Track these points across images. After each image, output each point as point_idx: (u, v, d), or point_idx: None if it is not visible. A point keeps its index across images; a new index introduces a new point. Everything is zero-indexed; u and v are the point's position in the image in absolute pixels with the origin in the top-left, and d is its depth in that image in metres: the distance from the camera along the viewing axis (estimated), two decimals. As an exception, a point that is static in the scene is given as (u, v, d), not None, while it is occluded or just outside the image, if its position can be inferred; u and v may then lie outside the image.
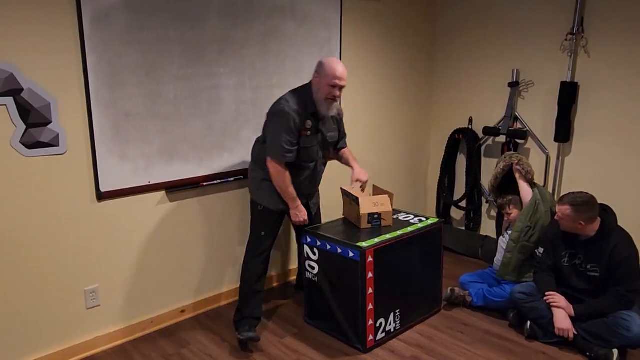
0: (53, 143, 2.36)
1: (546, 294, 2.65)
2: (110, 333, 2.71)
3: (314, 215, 2.98)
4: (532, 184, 3.07)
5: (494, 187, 3.22)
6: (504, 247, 3.09)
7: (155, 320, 2.89)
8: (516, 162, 3.08)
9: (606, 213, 2.61)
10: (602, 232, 2.55)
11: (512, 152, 3.24)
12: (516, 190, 3.07)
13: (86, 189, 2.50)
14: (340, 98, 2.62)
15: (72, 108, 2.40)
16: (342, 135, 2.91)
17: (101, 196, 2.54)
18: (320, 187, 3.71)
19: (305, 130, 2.56)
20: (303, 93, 2.59)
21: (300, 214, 2.71)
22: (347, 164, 2.92)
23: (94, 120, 2.45)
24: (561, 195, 3.52)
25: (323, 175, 2.92)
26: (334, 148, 2.90)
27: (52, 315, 2.50)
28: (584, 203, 2.52)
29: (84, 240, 2.54)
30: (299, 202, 2.68)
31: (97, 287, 2.62)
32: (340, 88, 2.54)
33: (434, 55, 4.28)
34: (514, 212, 3.05)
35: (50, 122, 2.33)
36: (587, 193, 2.59)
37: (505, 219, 3.14)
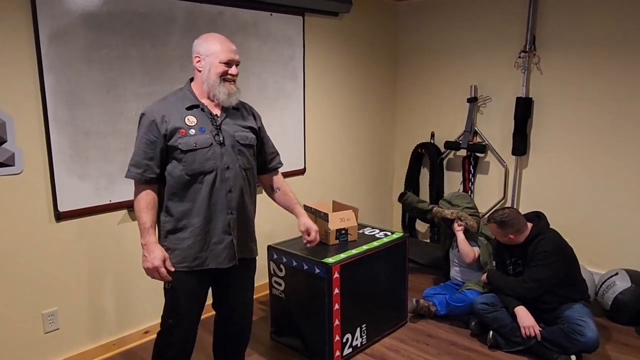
0: (8, 163, 2.29)
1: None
2: (70, 357, 2.62)
3: (242, 271, 2.10)
4: (477, 235, 3.21)
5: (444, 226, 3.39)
6: (456, 261, 3.26)
7: (118, 343, 2.81)
8: (456, 218, 3.19)
9: (538, 219, 2.78)
10: (532, 235, 2.71)
11: (460, 210, 3.25)
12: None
13: (44, 209, 2.44)
14: (236, 80, 2.01)
15: (29, 127, 2.34)
16: (267, 146, 2.21)
17: (59, 216, 2.48)
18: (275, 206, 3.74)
19: (184, 129, 1.89)
20: (178, 90, 2.02)
21: (149, 256, 1.85)
22: (286, 206, 2.27)
23: (52, 139, 2.41)
24: (517, 206, 3.65)
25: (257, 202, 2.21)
26: (264, 168, 2.23)
27: (8, 341, 2.40)
28: (506, 220, 2.69)
29: (41, 261, 2.46)
30: (151, 239, 1.88)
31: (56, 310, 2.54)
32: (237, 64, 1.99)
33: (397, 72, 4.39)
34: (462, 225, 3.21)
35: (5, 142, 2.27)
36: (510, 209, 2.77)
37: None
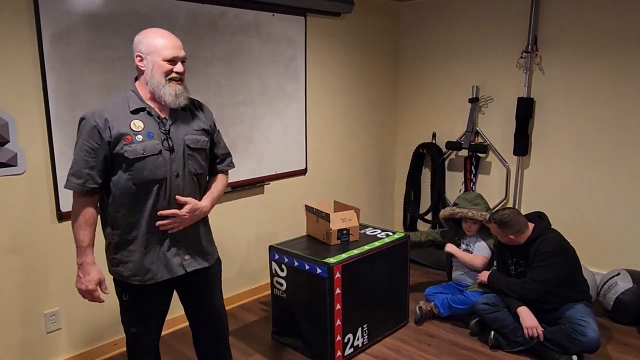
0: (11, 163, 2.30)
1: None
2: (72, 357, 2.63)
3: (200, 287, 2.00)
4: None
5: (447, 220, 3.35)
6: (459, 263, 3.24)
7: (120, 343, 2.82)
8: (484, 220, 3.08)
9: (540, 219, 2.78)
10: (533, 236, 2.71)
11: (484, 209, 3.17)
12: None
13: (46, 209, 2.45)
14: (184, 79, 1.83)
15: (32, 127, 2.35)
16: (219, 147, 2.03)
17: (62, 216, 2.49)
18: (285, 205, 3.73)
19: (130, 135, 1.74)
20: (122, 93, 1.87)
21: (84, 278, 1.79)
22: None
23: (54, 139, 2.41)
24: (518, 206, 3.65)
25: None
26: (212, 169, 2.03)
27: (10, 340, 2.41)
28: (505, 220, 2.69)
29: (44, 261, 2.47)
30: (88, 260, 1.79)
31: (57, 310, 2.55)
32: (182, 61, 1.81)
33: (398, 73, 4.39)
34: (472, 228, 3.19)
35: (8, 142, 2.28)
36: (510, 209, 2.76)
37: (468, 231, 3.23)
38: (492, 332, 2.80)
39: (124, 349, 2.79)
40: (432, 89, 4.19)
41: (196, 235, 1.95)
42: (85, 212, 1.77)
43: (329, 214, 2.84)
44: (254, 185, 3.34)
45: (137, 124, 1.77)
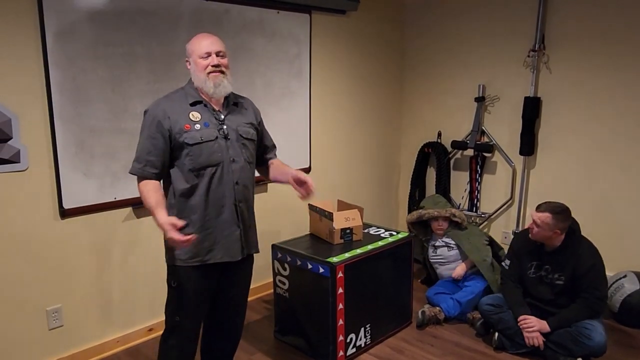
0: (14, 159, 2.30)
1: (519, 319, 2.64)
2: (74, 354, 2.63)
3: (241, 273, 2.14)
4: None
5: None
6: (442, 260, 3.40)
7: (122, 340, 2.82)
8: (451, 214, 3.39)
9: (573, 223, 2.69)
10: (569, 241, 2.60)
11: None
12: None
13: (49, 206, 2.44)
14: (225, 71, 1.97)
15: (35, 124, 2.35)
16: (266, 139, 2.26)
17: (64, 213, 2.49)
18: (288, 204, 3.70)
19: (188, 124, 1.92)
20: (180, 89, 2.05)
21: (166, 235, 1.78)
22: (280, 172, 2.22)
23: (57, 136, 2.41)
24: (524, 207, 3.59)
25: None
26: (261, 160, 2.25)
27: (12, 337, 2.41)
28: (562, 211, 2.56)
29: (46, 258, 2.47)
30: (162, 213, 1.82)
31: (60, 306, 2.55)
32: (217, 55, 1.95)
33: (403, 71, 4.36)
34: (444, 225, 3.42)
35: (10, 138, 2.28)
36: (563, 203, 2.62)
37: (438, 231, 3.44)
38: (496, 333, 2.77)
39: (126, 346, 2.82)
40: (437, 88, 4.16)
41: (251, 224, 2.11)
42: (147, 183, 1.92)
43: (332, 213, 2.82)
44: (257, 184, 3.33)
45: (195, 115, 1.95)
